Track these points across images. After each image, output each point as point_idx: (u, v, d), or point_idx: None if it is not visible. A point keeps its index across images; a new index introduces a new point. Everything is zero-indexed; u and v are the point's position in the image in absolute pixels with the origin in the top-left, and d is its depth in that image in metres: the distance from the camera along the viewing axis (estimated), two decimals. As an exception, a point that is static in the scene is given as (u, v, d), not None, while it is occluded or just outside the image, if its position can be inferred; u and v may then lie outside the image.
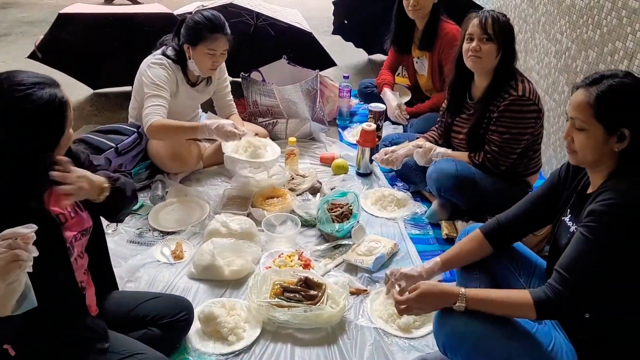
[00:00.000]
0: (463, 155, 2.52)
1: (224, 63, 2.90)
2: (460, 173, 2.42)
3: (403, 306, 1.60)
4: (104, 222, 1.77)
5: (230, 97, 3.14)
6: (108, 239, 2.28)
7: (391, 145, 2.80)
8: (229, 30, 2.70)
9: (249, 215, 2.58)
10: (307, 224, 2.58)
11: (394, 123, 3.51)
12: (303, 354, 1.90)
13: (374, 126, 2.98)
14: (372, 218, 2.67)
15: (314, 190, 2.81)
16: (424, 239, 2.54)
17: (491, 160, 2.42)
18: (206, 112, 3.42)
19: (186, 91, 2.85)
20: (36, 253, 1.24)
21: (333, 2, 4.67)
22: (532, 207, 1.79)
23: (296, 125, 3.37)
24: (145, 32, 3.75)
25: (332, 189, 2.80)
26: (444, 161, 2.50)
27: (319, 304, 1.98)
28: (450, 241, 2.46)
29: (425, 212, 2.70)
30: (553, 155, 3.01)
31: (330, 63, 4.02)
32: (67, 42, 3.73)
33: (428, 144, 2.61)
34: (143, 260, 2.29)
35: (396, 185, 2.97)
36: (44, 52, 3.64)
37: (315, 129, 3.43)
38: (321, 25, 5.46)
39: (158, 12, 3.62)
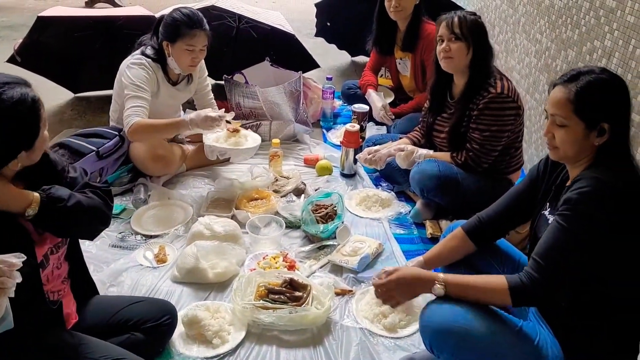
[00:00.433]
0: (445, 156, 2.54)
1: (203, 62, 2.89)
2: (442, 174, 2.43)
3: (383, 290, 1.63)
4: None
5: (212, 95, 3.12)
6: (90, 244, 2.25)
7: (375, 146, 2.80)
8: (207, 26, 2.69)
9: (232, 217, 2.57)
10: (291, 225, 2.57)
11: (377, 124, 3.52)
12: (289, 355, 1.89)
13: (357, 127, 2.99)
14: (357, 218, 2.67)
15: (298, 192, 2.80)
16: (408, 239, 2.54)
17: (473, 158, 2.44)
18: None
19: (167, 90, 2.83)
20: (19, 279, 1.24)
21: (315, 4, 4.67)
22: (512, 202, 1.81)
23: (280, 127, 3.36)
24: (127, 35, 3.71)
25: (316, 190, 2.79)
26: (427, 162, 2.51)
27: (304, 305, 1.97)
28: (434, 240, 2.46)
29: (410, 211, 2.70)
30: (535, 154, 3.03)
31: (313, 65, 4.02)
32: (47, 45, 3.68)
33: (410, 147, 2.62)
34: (125, 265, 2.26)
35: (380, 185, 2.97)
36: (23, 56, 3.58)
37: (299, 131, 3.42)
38: (304, 28, 5.46)
39: (139, 15, 3.59)
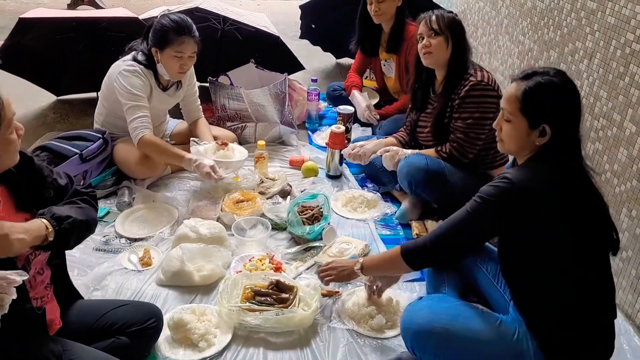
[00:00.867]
0: (430, 152, 2.57)
1: (192, 68, 2.88)
2: (430, 167, 2.46)
3: (324, 274, 2.01)
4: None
5: (198, 102, 3.13)
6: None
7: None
8: (197, 33, 2.68)
9: (218, 219, 2.55)
10: (277, 227, 2.56)
11: (362, 125, 3.53)
12: (276, 357, 1.89)
13: (343, 128, 2.99)
14: (343, 220, 2.67)
15: (284, 194, 2.79)
16: (394, 239, 2.55)
17: (458, 148, 2.48)
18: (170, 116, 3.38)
19: (158, 95, 2.82)
20: (15, 295, 1.24)
21: (300, 7, 4.67)
22: None
23: (265, 129, 3.36)
24: (110, 37, 3.69)
25: (302, 192, 2.79)
26: (415, 156, 2.55)
27: (290, 306, 1.97)
28: (420, 241, 2.47)
29: (395, 212, 2.71)
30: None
31: (299, 67, 4.02)
32: (28, 47, 3.63)
33: (395, 148, 2.64)
34: (110, 268, 2.24)
35: (366, 186, 2.98)
36: (4, 59, 3.53)
37: (285, 133, 3.42)
38: (289, 30, 5.46)
39: (123, 17, 3.55)
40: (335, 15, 4.60)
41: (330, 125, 3.25)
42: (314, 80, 3.72)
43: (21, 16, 3.35)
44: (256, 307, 1.96)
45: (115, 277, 2.19)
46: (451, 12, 2.54)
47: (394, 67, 3.40)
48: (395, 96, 3.55)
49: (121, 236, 2.47)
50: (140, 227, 2.54)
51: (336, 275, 1.98)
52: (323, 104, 3.92)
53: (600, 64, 2.28)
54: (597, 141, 2.29)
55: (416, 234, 2.55)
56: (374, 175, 2.94)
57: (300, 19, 4.79)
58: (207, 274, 2.19)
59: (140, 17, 3.56)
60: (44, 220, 1.43)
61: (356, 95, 3.45)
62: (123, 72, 2.66)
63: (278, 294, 2.02)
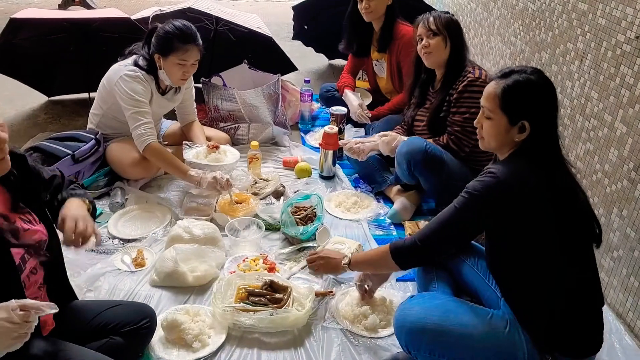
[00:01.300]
0: (429, 141, 2.59)
1: None
2: (429, 148, 2.48)
3: (312, 264, 2.10)
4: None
5: (194, 106, 3.13)
6: (66, 248, 2.21)
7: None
8: (200, 41, 2.67)
9: (211, 220, 2.55)
10: (271, 227, 2.56)
11: (355, 126, 3.53)
12: (270, 357, 1.89)
13: (336, 129, 2.99)
14: (336, 220, 2.68)
15: (278, 194, 2.79)
16: (387, 240, 2.55)
17: (455, 141, 2.53)
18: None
19: (158, 100, 2.82)
20: (36, 322, 1.29)
21: (293, 7, 4.68)
22: None
23: (258, 130, 3.35)
24: (102, 38, 3.67)
25: (295, 192, 2.79)
26: (415, 137, 2.60)
27: (284, 307, 1.97)
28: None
29: (388, 212, 2.72)
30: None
31: (291, 68, 4.02)
32: (19, 48, 3.61)
33: (392, 133, 2.70)
34: (103, 269, 2.23)
35: (359, 187, 2.98)
36: (-5, 59, 3.53)
37: (278, 133, 3.42)
38: (281, 31, 5.46)
39: (115, 17, 3.54)
40: (328, 16, 4.59)
41: (323, 126, 3.26)
42: (307, 81, 3.72)
43: (12, 16, 3.33)
44: (250, 307, 1.97)
45: (109, 278, 2.19)
46: (448, 12, 2.61)
47: (386, 67, 3.42)
48: (388, 96, 3.56)
49: (114, 237, 2.46)
50: (133, 228, 2.53)
51: (322, 265, 2.06)
52: (316, 105, 3.92)
53: (592, 65, 2.30)
54: (588, 142, 2.31)
55: (409, 234, 2.55)
56: (368, 174, 2.95)
57: (293, 19, 4.79)
58: (201, 274, 2.18)
59: (132, 17, 3.55)
60: (78, 200, 1.66)
61: (348, 94, 3.46)
62: (124, 77, 2.64)
63: (272, 294, 2.03)
